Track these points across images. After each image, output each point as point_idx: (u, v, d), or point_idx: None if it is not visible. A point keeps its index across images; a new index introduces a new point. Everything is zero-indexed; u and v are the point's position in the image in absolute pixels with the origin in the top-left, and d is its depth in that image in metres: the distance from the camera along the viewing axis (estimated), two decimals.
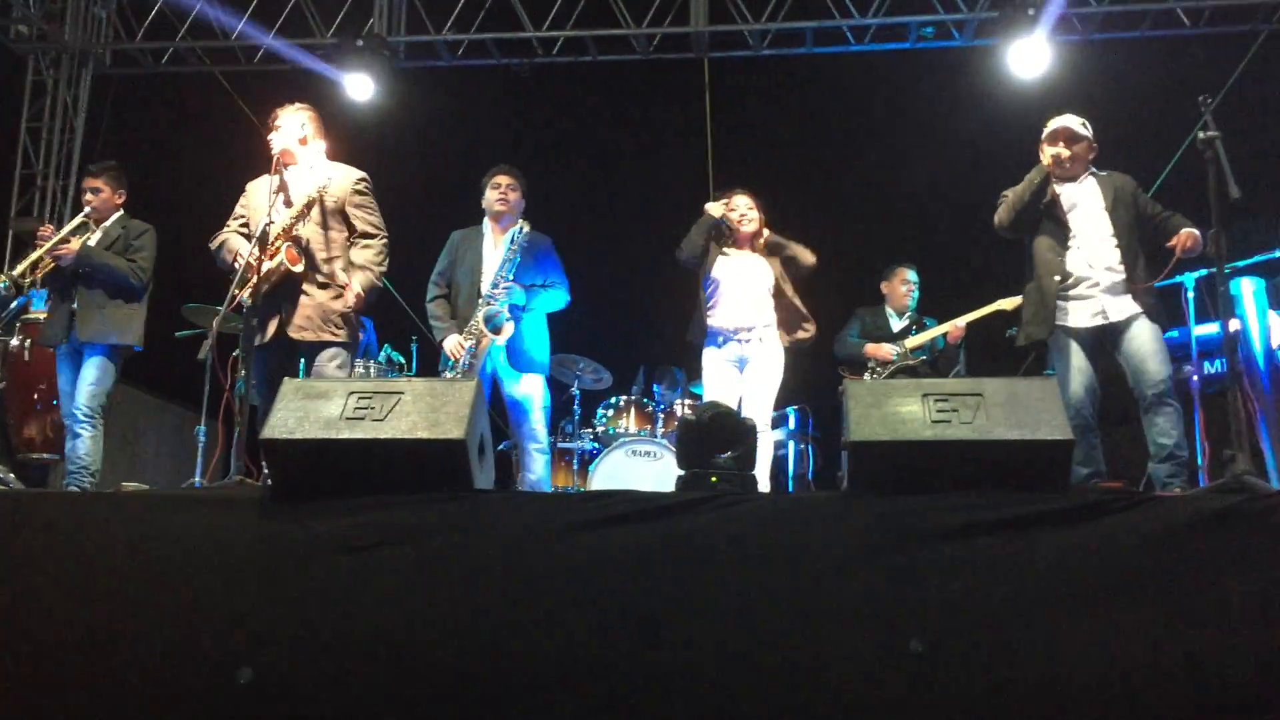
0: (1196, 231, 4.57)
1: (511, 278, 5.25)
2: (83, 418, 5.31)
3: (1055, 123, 4.86)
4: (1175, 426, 4.49)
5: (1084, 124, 4.84)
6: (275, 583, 2.90)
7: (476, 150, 8.63)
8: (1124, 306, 4.65)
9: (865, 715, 2.62)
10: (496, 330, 5.16)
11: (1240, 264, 5.50)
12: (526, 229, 5.37)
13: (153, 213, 5.89)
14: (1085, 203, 4.79)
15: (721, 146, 7.88)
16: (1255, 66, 7.22)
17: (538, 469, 5.28)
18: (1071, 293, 4.71)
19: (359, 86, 7.70)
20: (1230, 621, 2.60)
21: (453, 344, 5.31)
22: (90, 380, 5.37)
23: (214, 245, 4.86)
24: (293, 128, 4.91)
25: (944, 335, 6.34)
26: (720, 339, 5.39)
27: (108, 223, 5.64)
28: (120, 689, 2.81)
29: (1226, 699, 2.53)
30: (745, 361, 5.37)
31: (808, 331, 5.47)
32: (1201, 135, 3.67)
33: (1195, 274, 5.10)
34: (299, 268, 4.61)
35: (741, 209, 5.48)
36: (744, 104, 8.60)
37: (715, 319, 5.40)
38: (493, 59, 8.14)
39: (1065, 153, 4.77)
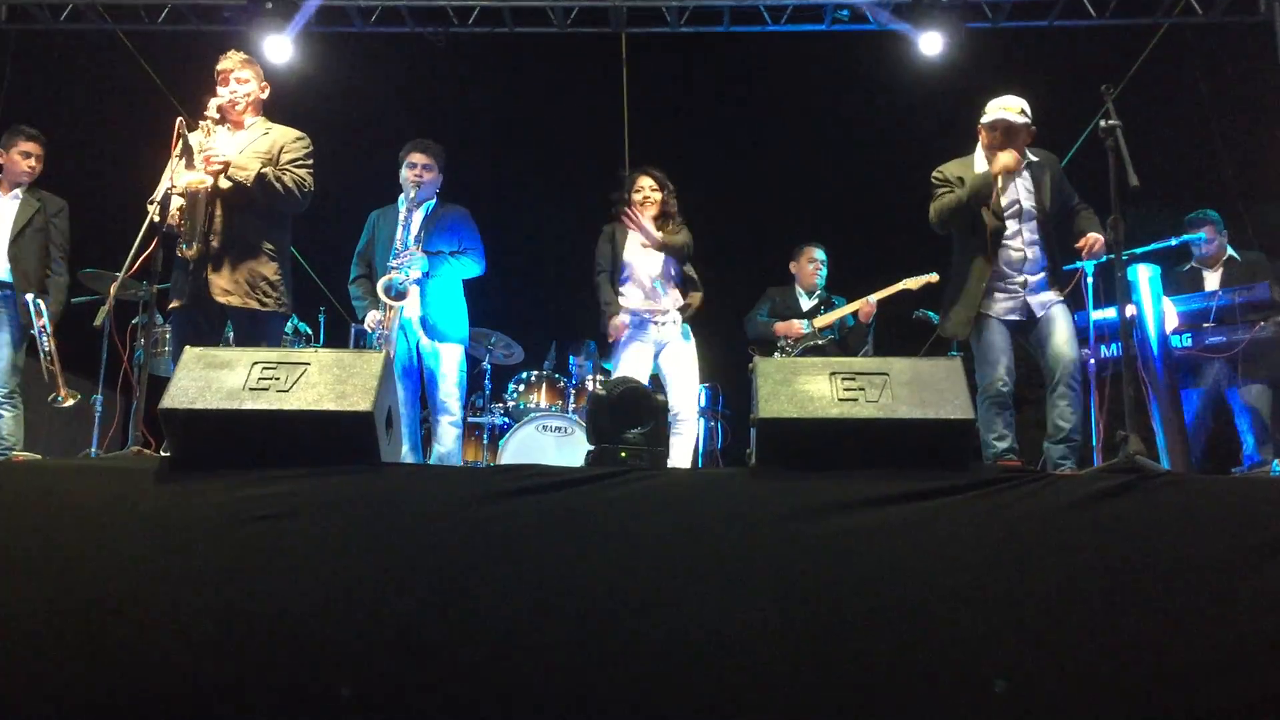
0: (1102, 238, 4.71)
1: (413, 246, 5.20)
2: (4, 397, 5.34)
3: (993, 111, 4.87)
4: (1075, 411, 4.63)
5: (1023, 110, 4.85)
6: (172, 553, 2.83)
7: (391, 119, 8.53)
8: (1043, 301, 4.82)
9: (772, 685, 2.66)
10: (400, 297, 5.13)
11: (1137, 251, 5.68)
12: (444, 206, 5.39)
13: (52, 174, 5.72)
14: (1022, 199, 4.86)
15: (637, 122, 7.88)
16: (1156, 59, 7.43)
17: (447, 441, 5.24)
18: (996, 287, 4.82)
19: (277, 49, 7.50)
20: (1119, 595, 2.69)
21: (371, 320, 5.30)
22: (8, 362, 5.32)
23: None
24: (254, 84, 4.77)
25: (854, 313, 6.43)
26: (636, 319, 5.41)
27: (20, 192, 5.50)
28: (7, 658, 2.73)
29: (1114, 668, 2.61)
30: (662, 345, 5.42)
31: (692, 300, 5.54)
32: (1103, 124, 3.74)
33: (1094, 260, 5.24)
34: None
35: (645, 190, 5.51)
36: (660, 80, 8.59)
37: (628, 301, 5.43)
38: (406, 26, 8.00)
39: (1010, 162, 4.78)
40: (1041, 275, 4.84)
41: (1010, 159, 4.78)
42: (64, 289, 5.58)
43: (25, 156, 5.52)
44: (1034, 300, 4.81)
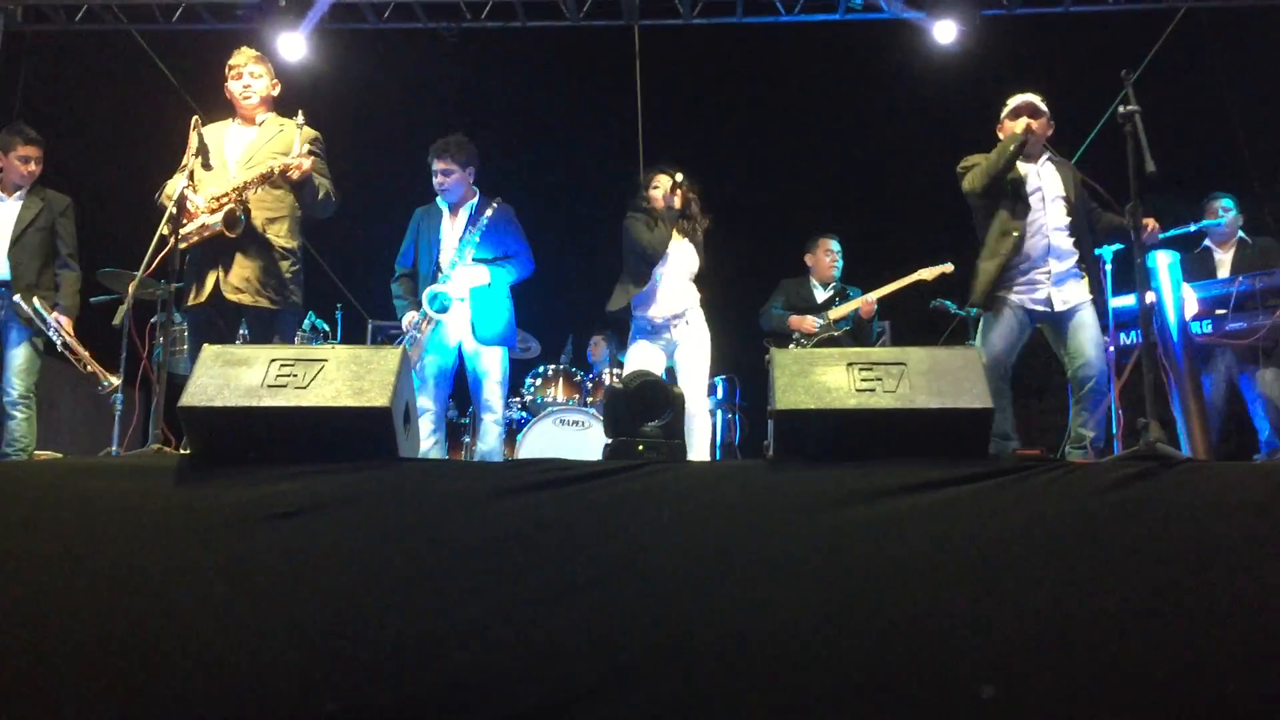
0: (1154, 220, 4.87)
1: (466, 261, 5.21)
2: (18, 398, 5.35)
3: (1018, 98, 4.96)
4: (1100, 421, 4.71)
5: (1041, 101, 4.96)
6: (192, 550, 2.85)
7: (404, 115, 8.54)
8: (1069, 295, 4.81)
9: (791, 676, 2.66)
10: (442, 311, 5.14)
11: (1157, 236, 5.64)
12: (490, 210, 5.30)
13: (69, 174, 5.74)
14: (1046, 187, 4.90)
15: (650, 114, 7.86)
16: (1173, 44, 7.37)
17: (489, 440, 5.27)
18: (1021, 275, 4.83)
19: (291, 46, 7.52)
20: (1141, 583, 2.68)
21: (408, 320, 5.29)
22: (20, 362, 5.34)
23: (158, 196, 4.71)
24: (266, 80, 4.81)
25: (858, 309, 6.43)
26: (650, 328, 5.42)
27: (23, 194, 5.51)
28: (29, 657, 2.75)
29: (1136, 659, 2.60)
30: (675, 346, 5.41)
31: None
32: (1121, 110, 3.71)
33: (1113, 247, 5.24)
34: (235, 234, 4.49)
35: (664, 186, 5.51)
36: (674, 72, 8.57)
37: (647, 309, 5.43)
38: (419, 22, 8.00)
39: (1035, 124, 4.88)
40: (1068, 265, 4.84)
41: (1024, 121, 4.87)
42: (73, 282, 5.59)
43: (25, 161, 5.52)
44: (1057, 293, 4.80)
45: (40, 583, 2.84)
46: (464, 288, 5.21)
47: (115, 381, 5.60)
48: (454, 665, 2.71)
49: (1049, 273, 4.81)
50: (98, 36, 8.14)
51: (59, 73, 8.26)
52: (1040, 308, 4.82)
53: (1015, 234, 4.83)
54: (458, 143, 5.37)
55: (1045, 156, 4.98)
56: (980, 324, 4.94)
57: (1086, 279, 4.87)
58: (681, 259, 5.47)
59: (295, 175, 4.56)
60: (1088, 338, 4.77)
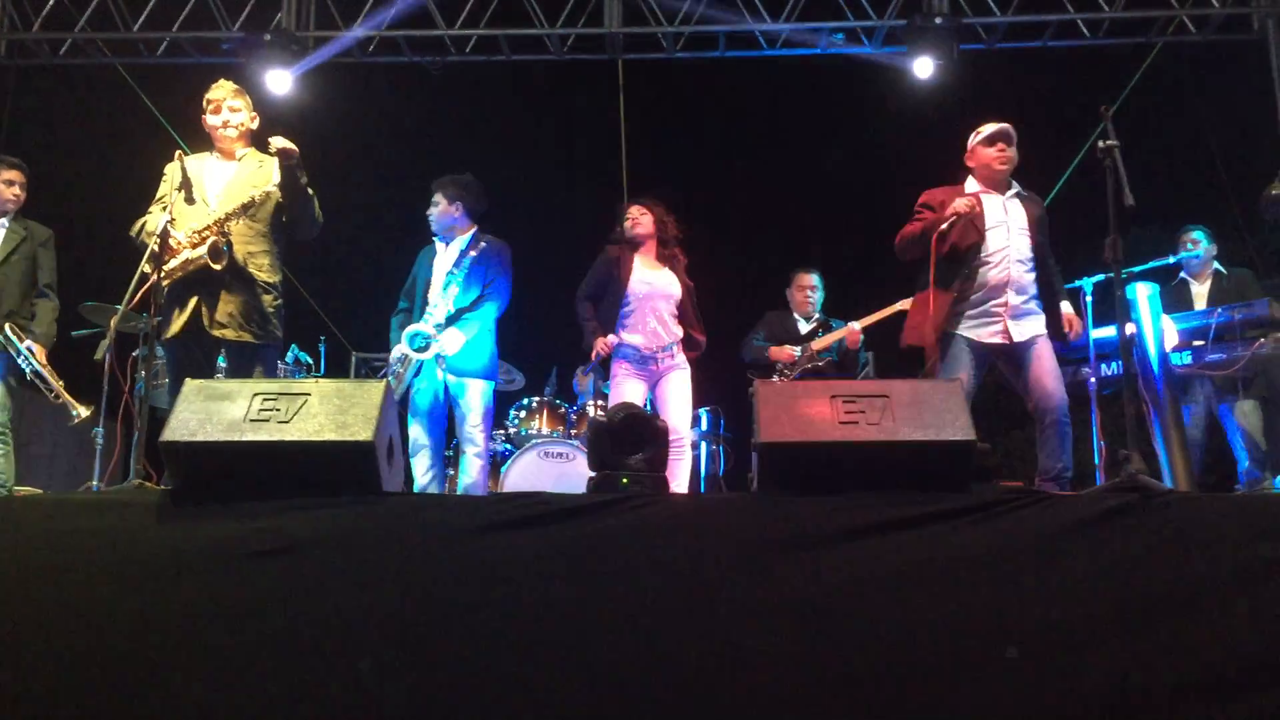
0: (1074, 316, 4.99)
1: (447, 300, 5.21)
2: None
3: (992, 126, 4.93)
4: (1067, 450, 4.64)
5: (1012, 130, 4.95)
6: (173, 586, 2.83)
7: (388, 149, 8.57)
8: (1026, 329, 4.76)
9: (776, 709, 2.64)
10: (421, 350, 5.14)
11: (1136, 269, 5.69)
12: (475, 248, 5.31)
13: (52, 208, 5.72)
14: (1008, 221, 4.85)
15: (634, 148, 7.91)
16: (1151, 79, 7.46)
17: (471, 473, 5.24)
18: (977, 308, 4.78)
19: (277, 81, 7.54)
20: (1125, 614, 2.68)
21: (396, 352, 5.30)
22: None
23: (135, 232, 4.69)
24: (245, 113, 4.81)
25: (844, 338, 6.45)
26: (635, 355, 5.42)
27: (6, 221, 5.48)
28: (7, 693, 2.72)
29: (1119, 690, 2.60)
30: (658, 378, 5.42)
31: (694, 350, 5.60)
32: (1101, 143, 3.74)
33: (1093, 279, 5.27)
34: (219, 266, 4.48)
35: (633, 215, 5.55)
36: (657, 106, 8.63)
37: (630, 337, 5.44)
38: (404, 56, 8.04)
39: (1009, 153, 4.86)
40: (1026, 300, 4.80)
41: (964, 205, 4.78)
42: (50, 312, 5.51)
43: (9, 185, 5.46)
44: (1014, 327, 4.75)
45: (19, 617, 2.81)
46: (452, 348, 5.19)
47: (84, 412, 5.51)
48: (435, 704, 2.69)
49: (1005, 304, 4.76)
50: (82, 71, 8.15)
51: (44, 106, 8.26)
52: (996, 340, 4.76)
53: (968, 269, 4.78)
54: (452, 179, 5.43)
55: (1013, 190, 4.94)
56: (939, 368, 4.85)
57: (1044, 314, 4.83)
58: (659, 288, 5.48)
59: (283, 155, 4.54)
60: (1045, 369, 4.71)
